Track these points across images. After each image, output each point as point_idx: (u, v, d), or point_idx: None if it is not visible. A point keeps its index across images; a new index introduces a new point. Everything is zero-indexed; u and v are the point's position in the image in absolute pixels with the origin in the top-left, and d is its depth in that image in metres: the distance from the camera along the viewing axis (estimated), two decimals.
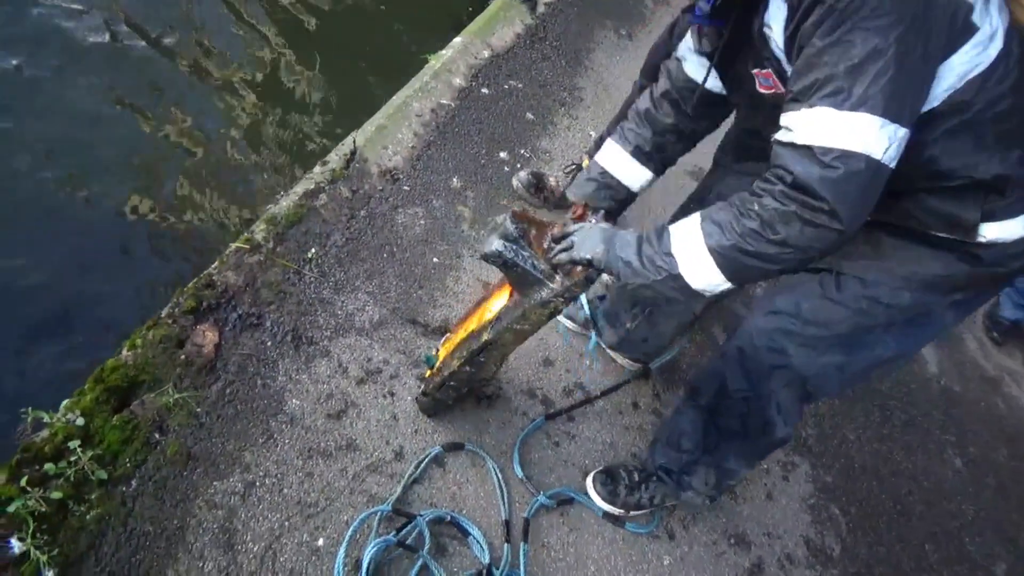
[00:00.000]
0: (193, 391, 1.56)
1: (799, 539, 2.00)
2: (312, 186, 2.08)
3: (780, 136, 1.11)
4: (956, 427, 2.61)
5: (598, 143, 2.39)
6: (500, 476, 1.72)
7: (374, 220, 2.09)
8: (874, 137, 1.02)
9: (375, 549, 1.46)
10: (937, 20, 1.02)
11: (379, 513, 1.53)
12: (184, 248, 2.28)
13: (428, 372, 1.73)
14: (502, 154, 2.51)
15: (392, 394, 1.76)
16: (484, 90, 2.72)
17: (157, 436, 1.48)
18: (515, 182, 2.40)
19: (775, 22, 1.14)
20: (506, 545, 1.62)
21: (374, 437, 1.67)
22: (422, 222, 2.16)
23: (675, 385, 2.16)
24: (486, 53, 2.90)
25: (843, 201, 1.04)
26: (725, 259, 1.16)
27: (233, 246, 1.85)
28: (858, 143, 1.02)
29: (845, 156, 1.03)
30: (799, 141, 1.06)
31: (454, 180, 2.33)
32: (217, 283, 1.75)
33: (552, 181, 2.41)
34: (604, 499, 1.78)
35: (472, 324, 1.59)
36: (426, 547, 1.52)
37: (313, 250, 1.93)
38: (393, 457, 1.66)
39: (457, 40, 2.91)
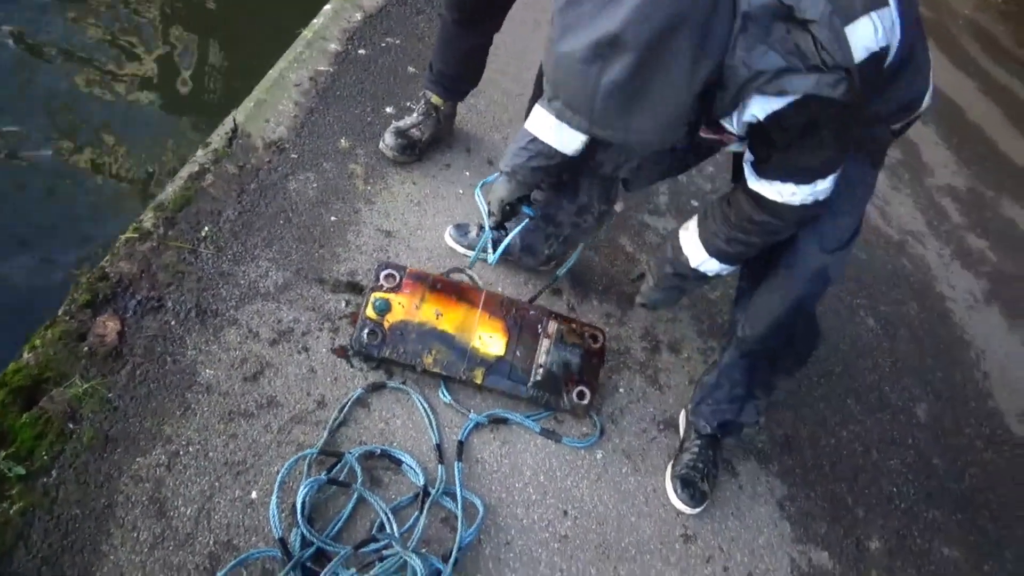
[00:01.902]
0: (102, 378, 1.58)
1: None
2: (196, 168, 2.08)
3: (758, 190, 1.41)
4: (866, 291, 2.75)
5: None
6: (427, 405, 1.78)
7: (265, 191, 2.10)
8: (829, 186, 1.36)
9: (307, 489, 1.51)
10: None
11: (308, 457, 1.58)
12: (74, 249, 2.27)
13: (372, 314, 1.80)
14: (388, 109, 2.53)
15: (307, 349, 1.80)
16: (361, 51, 2.73)
17: (71, 426, 1.50)
18: (384, 150, 2.32)
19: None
20: (440, 466, 1.68)
21: (294, 391, 1.71)
22: (315, 185, 2.19)
23: (587, 297, 2.23)
24: (358, 16, 2.90)
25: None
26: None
27: (123, 237, 1.85)
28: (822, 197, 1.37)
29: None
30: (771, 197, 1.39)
31: (342, 141, 2.35)
32: (111, 274, 1.75)
33: (416, 133, 2.35)
34: (691, 504, 1.82)
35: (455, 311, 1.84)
36: (359, 480, 1.58)
37: (206, 228, 1.95)
38: (316, 406, 1.71)
39: (327, 7, 2.91)
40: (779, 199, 1.39)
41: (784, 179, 1.36)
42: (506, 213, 1.86)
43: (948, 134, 3.91)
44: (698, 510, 1.83)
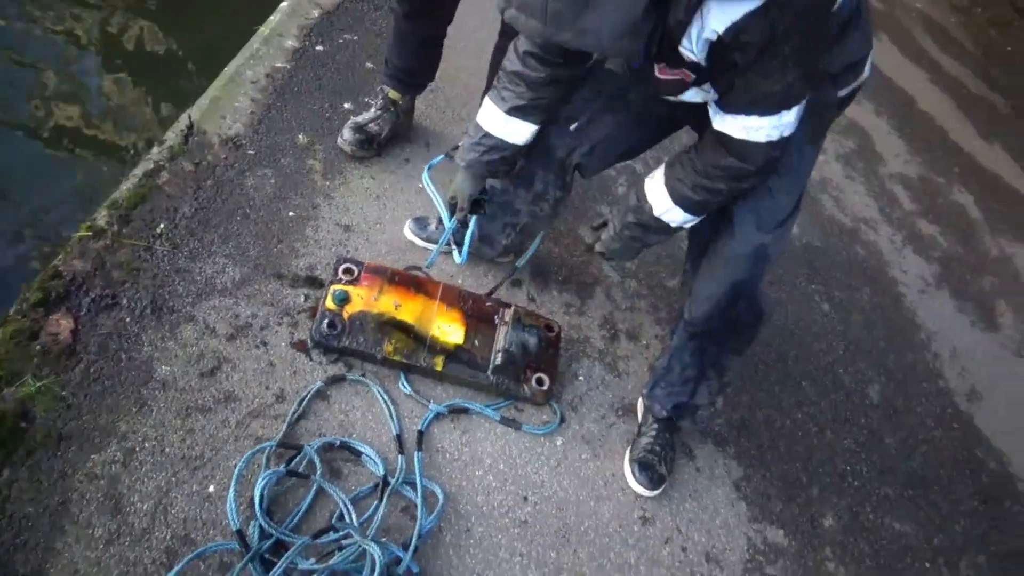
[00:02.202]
0: (55, 377, 1.57)
1: None
2: (152, 166, 2.07)
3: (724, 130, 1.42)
4: (820, 277, 2.81)
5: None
6: (386, 397, 1.79)
7: (222, 187, 2.10)
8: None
9: (265, 482, 1.51)
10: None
11: (266, 449, 1.59)
12: (26, 248, 2.24)
13: (332, 306, 1.81)
14: (346, 104, 2.53)
15: (265, 344, 1.80)
16: (319, 47, 2.72)
17: (23, 424, 1.49)
18: (343, 146, 2.32)
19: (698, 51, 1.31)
20: (400, 456, 1.70)
21: (252, 386, 1.72)
22: (272, 181, 2.18)
23: (547, 287, 2.26)
24: (316, 12, 2.89)
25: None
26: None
27: (76, 236, 1.83)
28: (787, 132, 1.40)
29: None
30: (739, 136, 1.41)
31: (300, 137, 2.35)
32: (64, 273, 1.74)
33: (375, 128, 2.35)
34: (649, 487, 1.85)
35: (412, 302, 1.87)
36: (318, 472, 1.59)
37: (162, 225, 1.94)
38: (275, 400, 1.71)
39: (284, 4, 2.89)
40: (745, 136, 1.40)
41: (748, 111, 1.36)
42: (475, 206, 1.88)
43: (900, 124, 4.01)
44: (656, 492, 1.87)
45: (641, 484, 1.86)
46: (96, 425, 1.54)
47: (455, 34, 2.27)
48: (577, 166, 1.85)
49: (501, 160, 1.77)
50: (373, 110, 2.36)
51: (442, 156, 2.18)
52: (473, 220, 1.94)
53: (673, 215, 1.61)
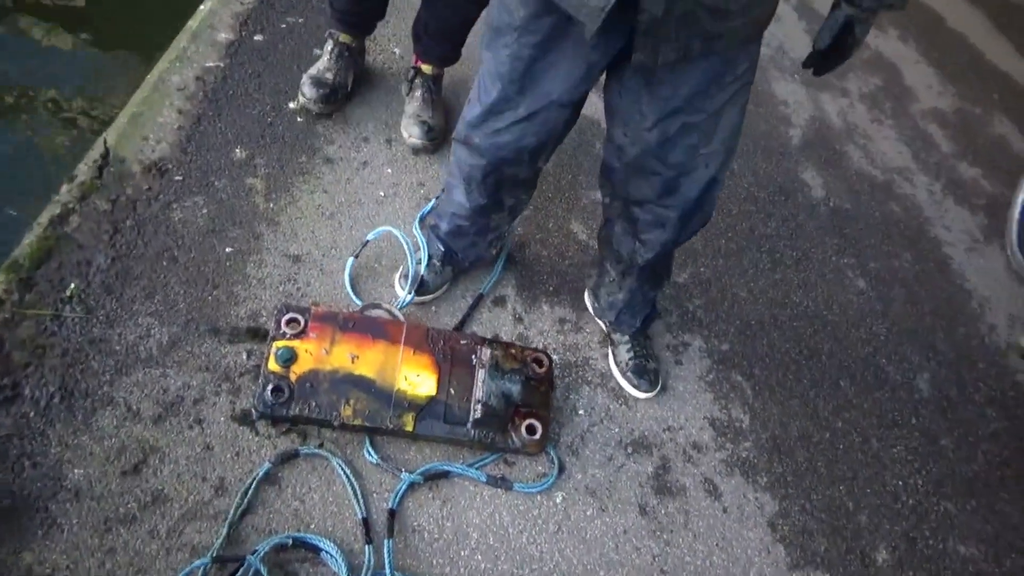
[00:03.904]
0: None
1: (703, 422, 1.85)
2: (59, 210, 1.77)
3: None
4: (853, 247, 2.47)
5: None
6: (348, 471, 1.52)
7: (144, 227, 1.80)
8: None
9: None
10: None
11: (200, 569, 1.32)
12: None
13: (275, 367, 1.52)
14: (291, 104, 2.19)
15: (200, 422, 1.53)
16: (258, 37, 2.37)
17: None
18: (307, 105, 2.13)
19: None
20: (367, 547, 1.43)
21: (186, 479, 1.45)
22: (205, 211, 1.87)
23: (536, 302, 1.95)
24: None
25: None
26: None
27: None
28: None
29: None
30: None
31: (237, 151, 2.03)
32: None
33: (333, 77, 2.14)
34: (650, 388, 1.82)
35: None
36: None
37: (72, 285, 1.65)
38: (214, 494, 1.44)
39: None
40: None
41: None
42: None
43: (928, 48, 3.57)
44: (658, 389, 1.84)
45: (643, 389, 1.82)
46: None
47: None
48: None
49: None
50: (325, 59, 2.16)
51: (434, 201, 1.94)
52: (424, 265, 1.78)
53: None
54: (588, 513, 1.62)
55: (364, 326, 1.64)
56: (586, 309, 1.98)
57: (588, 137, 2.42)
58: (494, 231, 1.81)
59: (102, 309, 1.63)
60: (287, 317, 1.60)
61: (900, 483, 1.89)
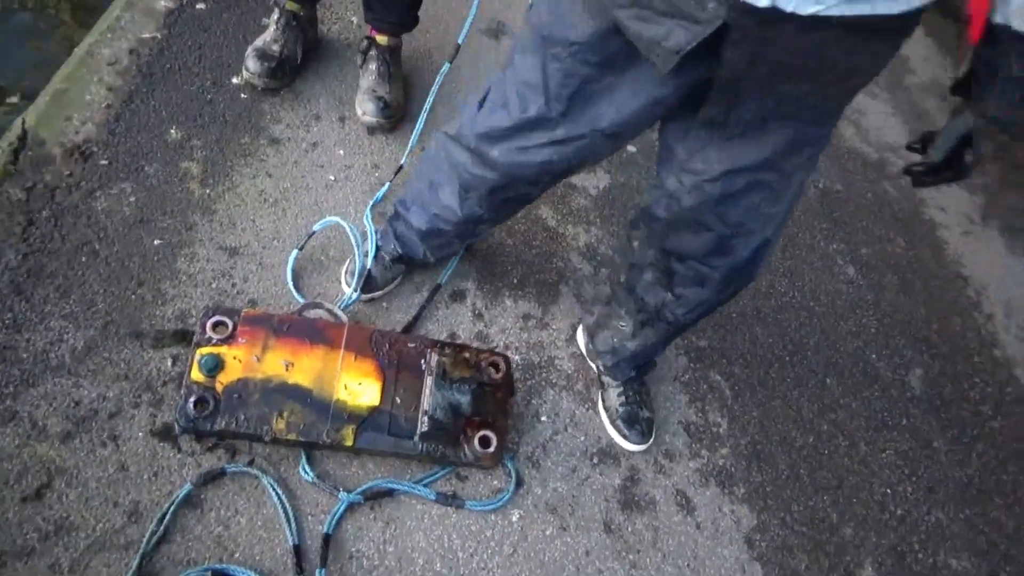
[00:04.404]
0: None
1: (676, 427, 1.71)
2: None
3: None
4: (843, 231, 2.31)
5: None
6: (280, 491, 1.38)
7: (62, 218, 1.63)
8: None
9: None
10: None
11: None
12: None
13: (199, 377, 1.36)
14: (234, 79, 2.01)
15: (115, 438, 1.38)
16: (200, 5, 2.17)
17: None
18: (252, 80, 1.96)
19: None
20: None
21: (95, 504, 1.30)
22: (132, 199, 1.70)
23: (498, 296, 1.79)
24: None
25: None
26: None
27: None
28: None
29: None
30: None
31: (172, 132, 1.85)
32: None
33: (280, 49, 1.97)
34: (642, 439, 1.64)
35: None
36: None
37: None
38: (126, 521, 1.30)
39: None
40: None
41: None
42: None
43: (925, 18, 3.36)
44: (651, 441, 1.64)
45: (634, 441, 1.63)
46: None
47: None
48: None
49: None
50: (272, 29, 1.98)
51: (387, 186, 1.75)
52: (372, 257, 1.56)
53: None
54: (547, 532, 1.49)
55: (301, 329, 1.48)
56: (554, 301, 1.82)
57: None
58: (476, 236, 1.63)
59: (9, 312, 1.47)
60: (213, 320, 1.44)
61: (888, 491, 1.76)
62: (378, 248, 1.67)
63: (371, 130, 2.01)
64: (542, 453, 1.58)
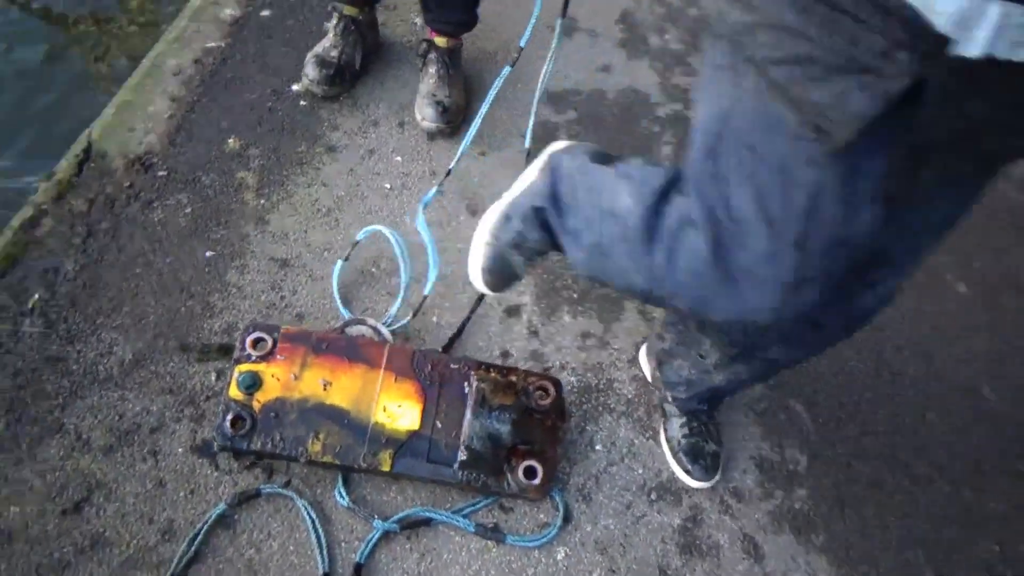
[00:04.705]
0: None
1: (748, 463, 1.55)
2: (31, 213, 1.64)
3: None
4: (952, 241, 2.04)
5: None
6: (315, 515, 1.32)
7: (119, 230, 1.65)
8: None
9: None
10: None
11: None
12: None
13: (237, 394, 1.33)
14: (295, 86, 1.99)
15: (156, 453, 1.37)
16: (265, 12, 2.17)
17: None
18: (311, 87, 1.94)
19: None
20: None
21: (131, 520, 1.29)
22: (188, 211, 1.71)
23: (556, 312, 1.69)
24: None
25: None
26: None
27: None
28: None
29: None
30: None
31: (230, 141, 1.85)
32: None
33: (339, 55, 1.93)
34: (707, 476, 1.47)
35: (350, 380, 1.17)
36: None
37: (36, 296, 1.52)
38: (160, 539, 1.28)
39: None
40: None
41: None
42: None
43: None
44: (717, 477, 1.49)
45: (698, 478, 1.47)
46: None
47: None
48: None
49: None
50: (331, 36, 1.96)
51: (436, 190, 1.67)
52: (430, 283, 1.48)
53: None
54: (595, 575, 1.37)
55: (340, 347, 1.42)
56: (617, 319, 1.70)
57: (633, 114, 2.11)
58: None
59: (63, 323, 1.49)
60: (252, 336, 1.40)
61: (997, 548, 1.53)
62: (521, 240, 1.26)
63: (431, 135, 1.95)
64: (594, 485, 1.47)
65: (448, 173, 1.67)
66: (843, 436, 1.62)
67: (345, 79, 1.96)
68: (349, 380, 1.40)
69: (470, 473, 1.36)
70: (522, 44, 1.60)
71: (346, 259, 1.65)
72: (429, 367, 1.43)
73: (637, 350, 1.66)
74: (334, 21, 1.95)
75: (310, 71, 1.92)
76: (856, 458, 1.60)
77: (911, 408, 1.70)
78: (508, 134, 1.98)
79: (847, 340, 1.16)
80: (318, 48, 1.95)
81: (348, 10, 1.92)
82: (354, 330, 1.50)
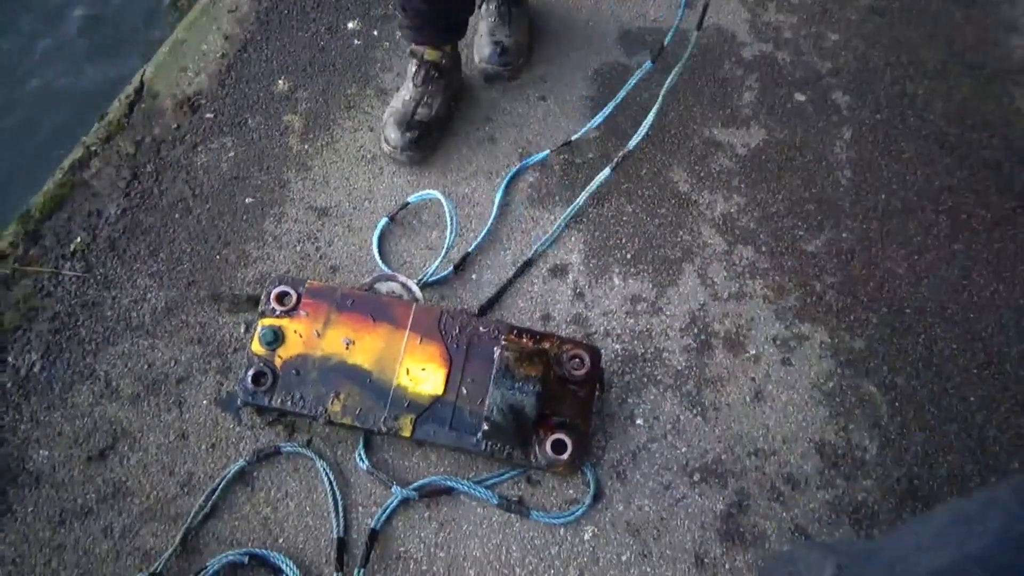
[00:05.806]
0: None
1: (808, 447, 1.40)
2: (81, 153, 1.64)
3: None
4: None
5: None
6: (333, 477, 1.29)
7: (163, 173, 1.63)
8: None
9: None
10: None
11: None
12: None
13: (260, 349, 1.31)
14: (350, 24, 1.90)
15: (180, 404, 1.36)
16: None
17: None
18: (393, 154, 1.63)
19: None
20: (336, 575, 1.20)
21: (152, 471, 1.29)
22: (232, 154, 1.67)
23: (606, 272, 1.56)
24: None
25: None
26: None
27: None
28: None
29: None
30: None
31: (280, 82, 1.79)
32: None
33: (424, 112, 1.62)
34: None
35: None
36: None
37: (79, 238, 1.53)
38: (179, 491, 1.28)
39: None
40: None
41: None
42: None
43: None
44: None
45: None
46: None
47: None
48: None
49: None
50: (411, 86, 1.64)
51: (547, 152, 1.56)
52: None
53: None
54: (624, 558, 1.27)
55: (365, 305, 1.36)
56: (673, 283, 1.56)
57: (716, 55, 1.90)
58: None
59: (101, 268, 1.49)
60: (277, 291, 1.36)
61: None
62: None
63: (488, 78, 1.81)
64: (631, 463, 1.36)
65: (568, 142, 1.54)
66: (923, 423, 1.43)
67: (432, 137, 1.67)
68: (372, 340, 1.33)
69: (494, 444, 1.28)
70: (666, 42, 1.53)
71: (391, 218, 1.57)
72: (457, 329, 1.35)
73: (691, 318, 1.51)
74: (412, 68, 1.64)
75: (391, 134, 1.61)
76: (937, 449, 1.41)
77: (1007, 395, 1.48)
78: (573, 80, 1.82)
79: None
80: (396, 103, 1.66)
81: (430, 54, 1.62)
82: (384, 286, 1.42)
